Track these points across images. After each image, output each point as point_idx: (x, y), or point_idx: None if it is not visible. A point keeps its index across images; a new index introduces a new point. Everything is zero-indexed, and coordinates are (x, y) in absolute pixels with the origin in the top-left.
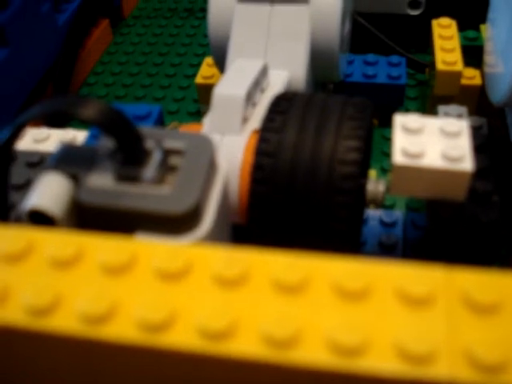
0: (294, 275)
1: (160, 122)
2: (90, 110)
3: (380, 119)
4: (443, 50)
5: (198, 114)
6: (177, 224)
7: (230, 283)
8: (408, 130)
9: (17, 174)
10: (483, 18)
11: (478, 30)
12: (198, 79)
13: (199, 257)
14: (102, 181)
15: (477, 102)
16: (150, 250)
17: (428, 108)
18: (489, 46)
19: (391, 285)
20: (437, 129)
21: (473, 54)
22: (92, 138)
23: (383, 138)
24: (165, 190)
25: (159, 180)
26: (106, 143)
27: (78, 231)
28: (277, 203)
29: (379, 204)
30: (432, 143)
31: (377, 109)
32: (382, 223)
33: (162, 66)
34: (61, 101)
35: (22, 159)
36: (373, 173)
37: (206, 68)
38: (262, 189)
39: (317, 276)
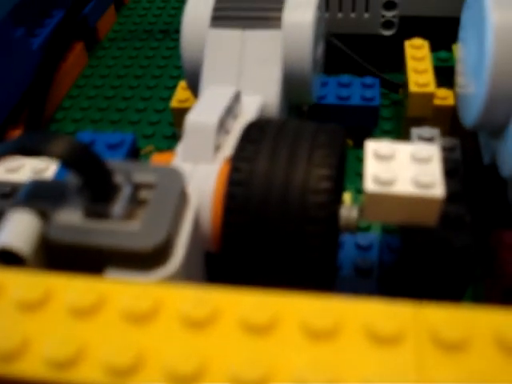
0: (263, 315)
1: (133, 149)
2: (56, 148)
3: (355, 140)
4: (415, 71)
5: (173, 138)
6: (146, 260)
7: (198, 324)
8: (379, 157)
9: None
10: (455, 38)
11: (450, 50)
12: (173, 103)
13: (167, 297)
14: (70, 217)
15: (450, 122)
16: (118, 290)
17: (402, 128)
18: (460, 67)
19: (360, 323)
20: (408, 155)
21: (445, 74)
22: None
23: (358, 159)
24: (133, 225)
25: (128, 215)
26: (75, 178)
27: (47, 270)
28: (250, 233)
29: (353, 230)
30: (403, 170)
31: (352, 130)
32: (358, 246)
33: (138, 88)
34: (26, 139)
35: None
36: (347, 196)
37: (181, 91)
38: (235, 218)
39: (285, 315)
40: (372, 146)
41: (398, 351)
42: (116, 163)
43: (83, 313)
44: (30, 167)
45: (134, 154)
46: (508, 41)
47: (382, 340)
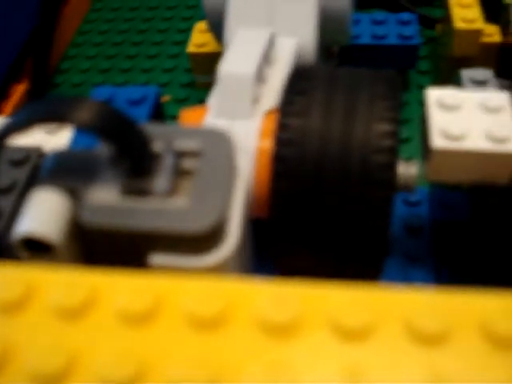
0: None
1: (158, 105)
2: (85, 114)
3: None
4: (460, 5)
5: (191, 86)
6: (199, 243)
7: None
8: (445, 107)
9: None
10: None
11: None
12: (191, 48)
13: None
14: (105, 196)
15: (496, 61)
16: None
17: (443, 69)
18: None
19: (476, 323)
20: (477, 104)
21: (490, 8)
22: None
23: None
24: (181, 202)
25: (173, 190)
26: (107, 149)
27: (80, 259)
28: (304, 199)
29: (411, 190)
30: (473, 121)
31: None
32: (406, 203)
33: (148, 33)
34: (50, 105)
35: (4, 157)
36: None
37: (198, 35)
38: (286, 184)
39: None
40: (435, 95)
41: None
42: (153, 127)
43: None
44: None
45: (159, 110)
46: None
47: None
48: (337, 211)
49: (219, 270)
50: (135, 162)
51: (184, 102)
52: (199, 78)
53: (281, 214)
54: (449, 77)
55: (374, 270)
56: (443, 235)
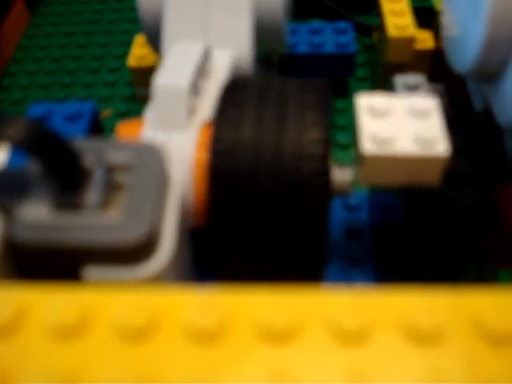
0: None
1: (95, 119)
2: (11, 131)
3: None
4: (393, 13)
5: (133, 99)
6: (131, 255)
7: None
8: (375, 113)
9: None
10: None
11: None
12: (131, 61)
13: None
14: (37, 212)
15: (429, 66)
16: (108, 302)
17: (380, 76)
18: (447, 6)
19: (396, 319)
20: (405, 109)
21: (423, 15)
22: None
23: (335, 110)
24: (112, 216)
25: (104, 204)
26: (37, 165)
27: (15, 277)
28: (240, 208)
29: (346, 194)
30: (402, 126)
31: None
32: (346, 207)
33: (88, 47)
34: None
35: None
36: None
37: (138, 48)
38: (221, 193)
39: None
40: (365, 101)
41: (442, 350)
42: (84, 142)
43: (68, 333)
44: None
45: (97, 125)
46: None
47: (422, 338)
48: (273, 218)
49: (154, 279)
50: (65, 177)
51: (126, 115)
52: (140, 91)
53: (218, 222)
54: (385, 83)
55: (315, 274)
56: (381, 237)
